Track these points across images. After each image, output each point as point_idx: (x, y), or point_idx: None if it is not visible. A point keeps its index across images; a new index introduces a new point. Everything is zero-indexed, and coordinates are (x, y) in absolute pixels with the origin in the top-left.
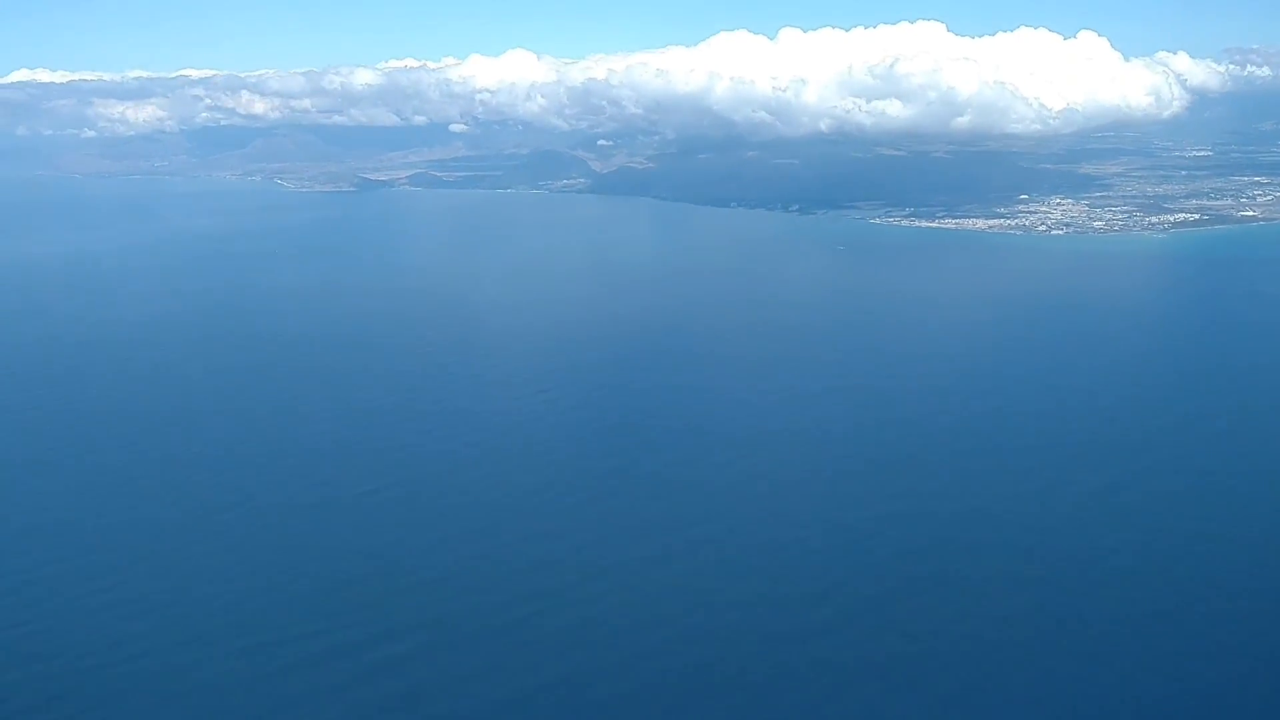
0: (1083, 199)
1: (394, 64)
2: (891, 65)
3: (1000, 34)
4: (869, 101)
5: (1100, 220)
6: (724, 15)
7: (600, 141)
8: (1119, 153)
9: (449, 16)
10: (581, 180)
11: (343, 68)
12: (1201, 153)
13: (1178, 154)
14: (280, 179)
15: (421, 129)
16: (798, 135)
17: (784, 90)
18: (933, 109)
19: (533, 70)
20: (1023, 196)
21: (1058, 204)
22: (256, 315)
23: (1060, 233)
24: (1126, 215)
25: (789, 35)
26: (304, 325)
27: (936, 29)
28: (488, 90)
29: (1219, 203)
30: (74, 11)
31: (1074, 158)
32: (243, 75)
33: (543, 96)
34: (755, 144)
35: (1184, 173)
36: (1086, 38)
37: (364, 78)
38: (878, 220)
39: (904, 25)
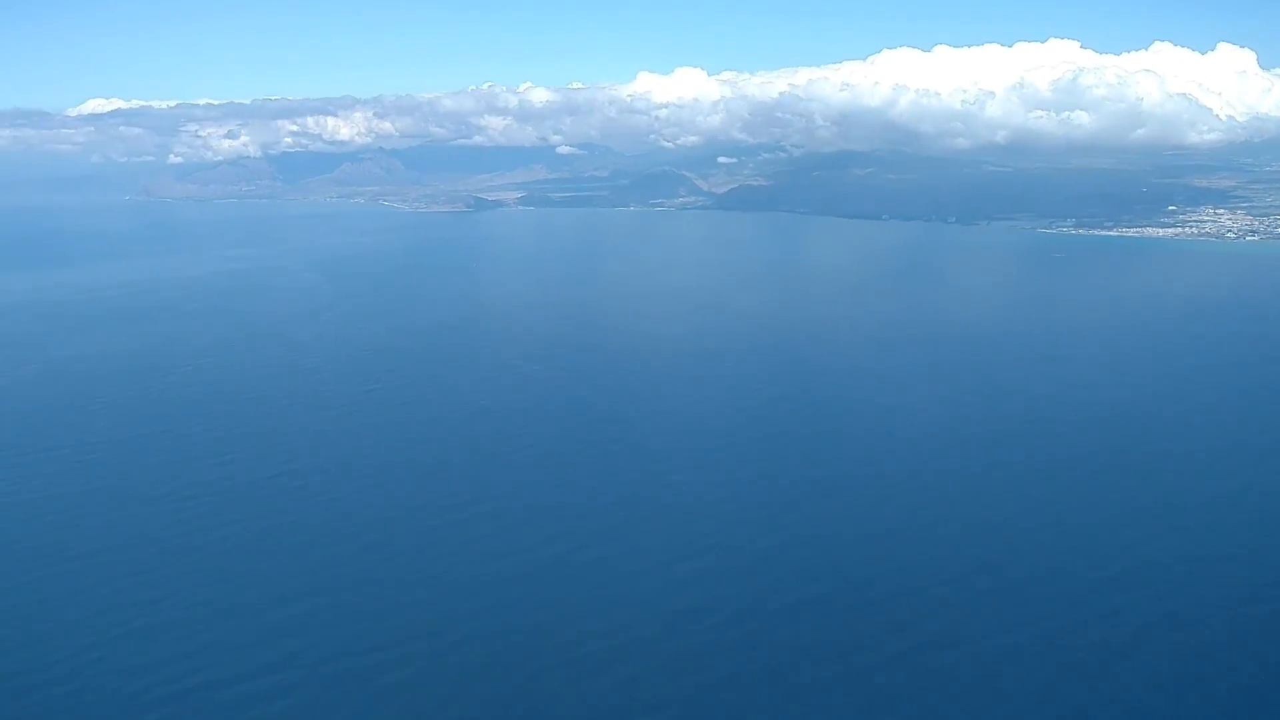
0: (1238, 209)
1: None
2: (1075, 77)
3: (1136, 51)
4: (1058, 114)
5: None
6: (874, 33)
7: (721, 159)
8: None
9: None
10: (694, 198)
11: (519, 86)
12: None
13: None
14: (384, 200)
15: (517, 151)
16: (973, 146)
17: (971, 103)
18: (1116, 120)
19: (704, 87)
20: (1170, 207)
21: (1214, 213)
22: (537, 318)
23: (1254, 239)
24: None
25: (943, 51)
26: (574, 331)
27: (1071, 46)
28: (666, 106)
29: None
30: (144, 40)
31: (1207, 171)
32: (415, 96)
33: (722, 112)
34: (872, 160)
35: None
36: (1226, 50)
37: (541, 95)
38: (1047, 230)
39: (1051, 41)
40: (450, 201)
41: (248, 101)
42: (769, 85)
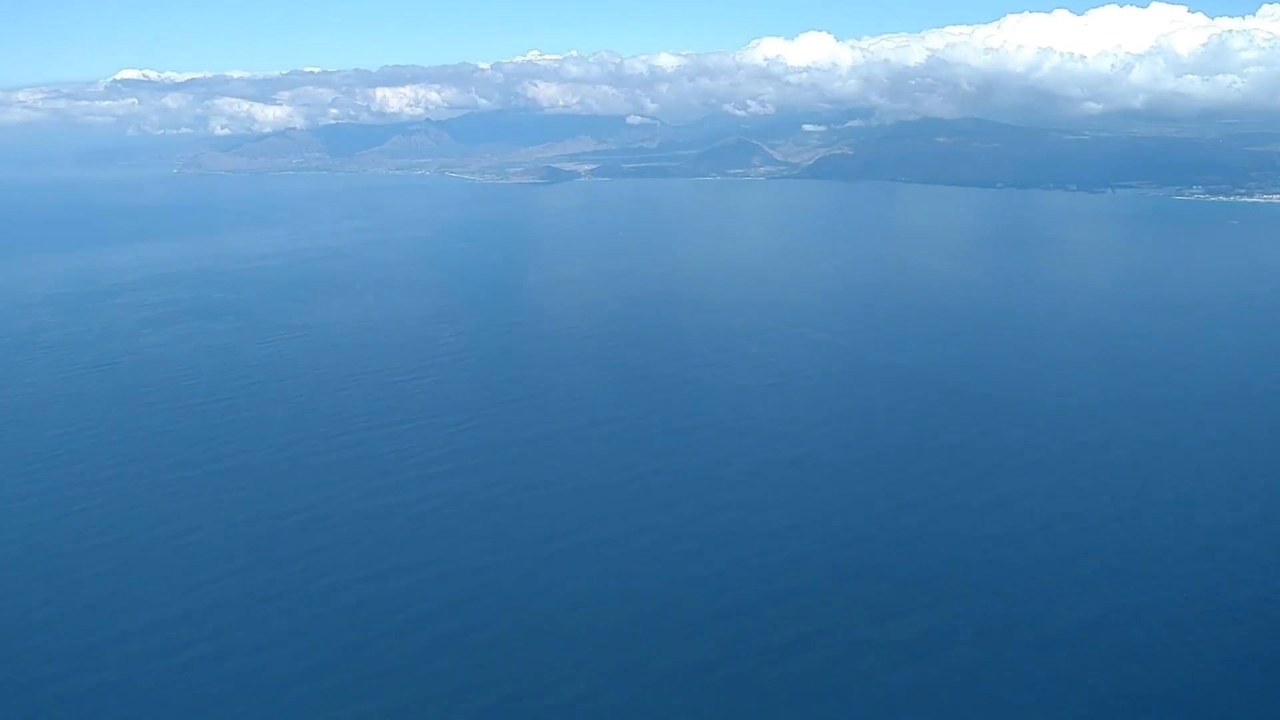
0: None
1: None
2: (1223, 39)
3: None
4: (1206, 78)
5: None
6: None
7: (806, 126)
8: None
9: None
10: (772, 168)
11: (644, 54)
12: None
13: None
14: (450, 172)
15: (570, 120)
16: (1107, 111)
17: (1119, 67)
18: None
19: (833, 51)
20: None
21: None
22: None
23: None
24: None
25: (1062, 15)
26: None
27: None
28: (798, 69)
29: None
30: (173, 12)
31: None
32: (540, 60)
33: (858, 77)
34: (956, 130)
35: None
36: None
37: (669, 61)
38: (1183, 198)
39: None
40: (526, 173)
41: (279, 74)
42: (905, 50)
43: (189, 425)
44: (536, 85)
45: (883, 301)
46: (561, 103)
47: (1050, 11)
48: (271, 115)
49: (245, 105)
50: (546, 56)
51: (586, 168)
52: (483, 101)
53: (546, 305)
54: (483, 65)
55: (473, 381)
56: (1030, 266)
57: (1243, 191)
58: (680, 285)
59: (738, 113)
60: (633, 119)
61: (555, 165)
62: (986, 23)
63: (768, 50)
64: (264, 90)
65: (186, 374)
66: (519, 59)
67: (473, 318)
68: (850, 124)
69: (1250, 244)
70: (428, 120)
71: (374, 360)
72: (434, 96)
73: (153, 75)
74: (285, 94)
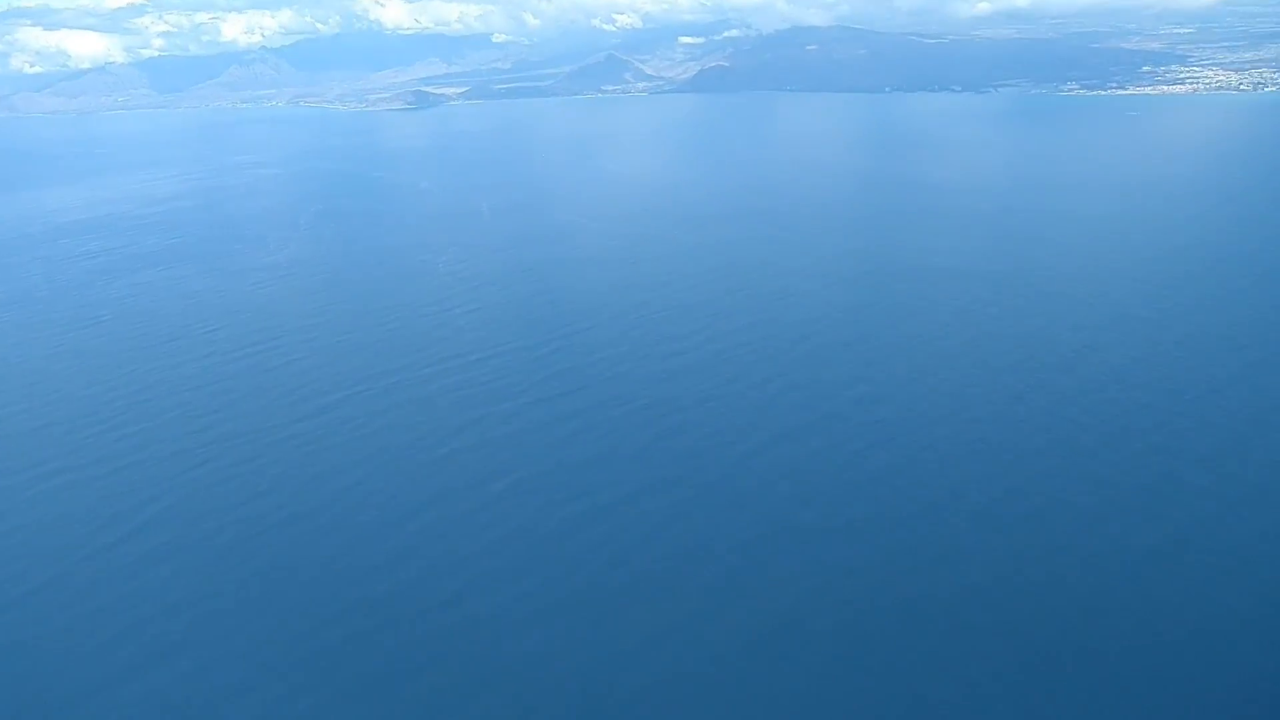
0: (1213, 66)
1: None
2: None
3: None
4: None
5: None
6: None
7: (682, 39)
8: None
9: None
10: (647, 83)
11: None
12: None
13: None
14: (305, 102)
15: (426, 41)
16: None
17: None
18: None
19: None
20: (1145, 69)
21: (1191, 71)
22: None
23: (1272, 89)
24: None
25: None
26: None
27: None
28: None
29: None
30: None
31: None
32: None
33: None
34: (826, 37)
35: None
36: None
37: None
38: (1064, 93)
39: None
40: (394, 98)
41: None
42: None
43: (252, 373)
44: (381, 5)
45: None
46: (408, 24)
47: None
48: (87, 48)
49: (54, 37)
50: None
51: (455, 90)
52: (321, 26)
53: (532, 229)
54: None
55: (522, 306)
56: (999, 162)
57: (1115, 85)
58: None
59: (605, 27)
60: (497, 37)
61: (422, 89)
62: None
63: None
64: (74, 20)
65: (196, 323)
66: None
67: (456, 246)
68: (727, 34)
69: (1166, 131)
70: (264, 48)
71: (388, 294)
72: (269, 22)
73: None
74: (93, 20)
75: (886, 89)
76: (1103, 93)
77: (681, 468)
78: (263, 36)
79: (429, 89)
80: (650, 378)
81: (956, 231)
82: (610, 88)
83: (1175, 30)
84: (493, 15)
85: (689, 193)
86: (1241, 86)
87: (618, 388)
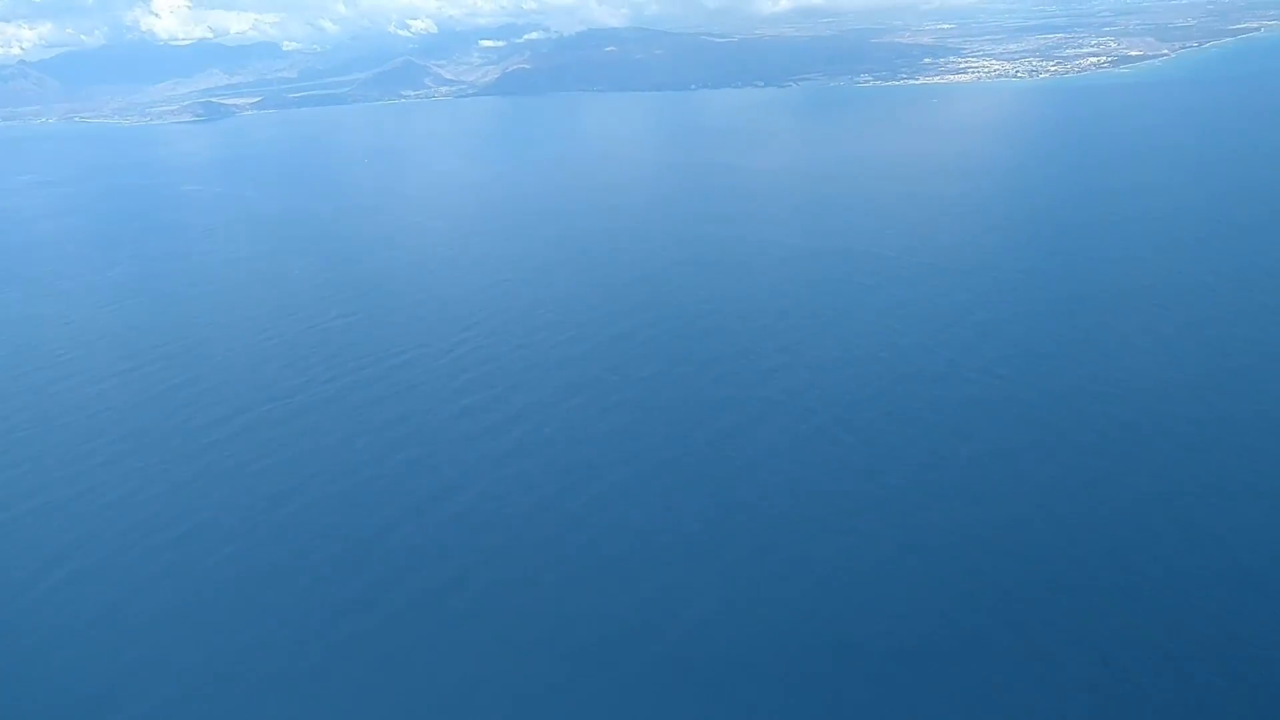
0: (988, 57)
1: None
2: None
3: None
4: None
5: (1057, 66)
6: None
7: (483, 42)
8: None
9: None
10: (450, 87)
11: None
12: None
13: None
14: (80, 117)
15: (206, 50)
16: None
17: None
18: None
19: None
20: (926, 60)
21: (966, 63)
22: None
23: (1045, 76)
24: (1051, 64)
25: None
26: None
27: None
28: None
29: (1102, 52)
30: None
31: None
32: None
33: None
34: (623, 38)
35: (1029, 34)
36: None
37: None
38: (861, 84)
39: None
40: (181, 111)
41: None
42: None
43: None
44: (155, 16)
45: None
46: (184, 34)
47: None
48: None
49: None
50: None
51: (247, 101)
52: (85, 38)
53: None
54: None
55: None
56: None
57: (904, 75)
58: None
59: (400, 33)
60: (288, 45)
61: (212, 101)
62: None
63: None
64: None
65: (46, 349)
66: None
67: (308, 253)
68: (527, 37)
69: (973, 114)
70: (23, 63)
71: (249, 306)
72: (27, 34)
73: None
74: None
75: (693, 85)
76: (895, 83)
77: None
78: (21, 50)
79: (219, 100)
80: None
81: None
82: (411, 93)
83: (939, 26)
84: (288, 23)
85: (523, 190)
86: (1019, 74)
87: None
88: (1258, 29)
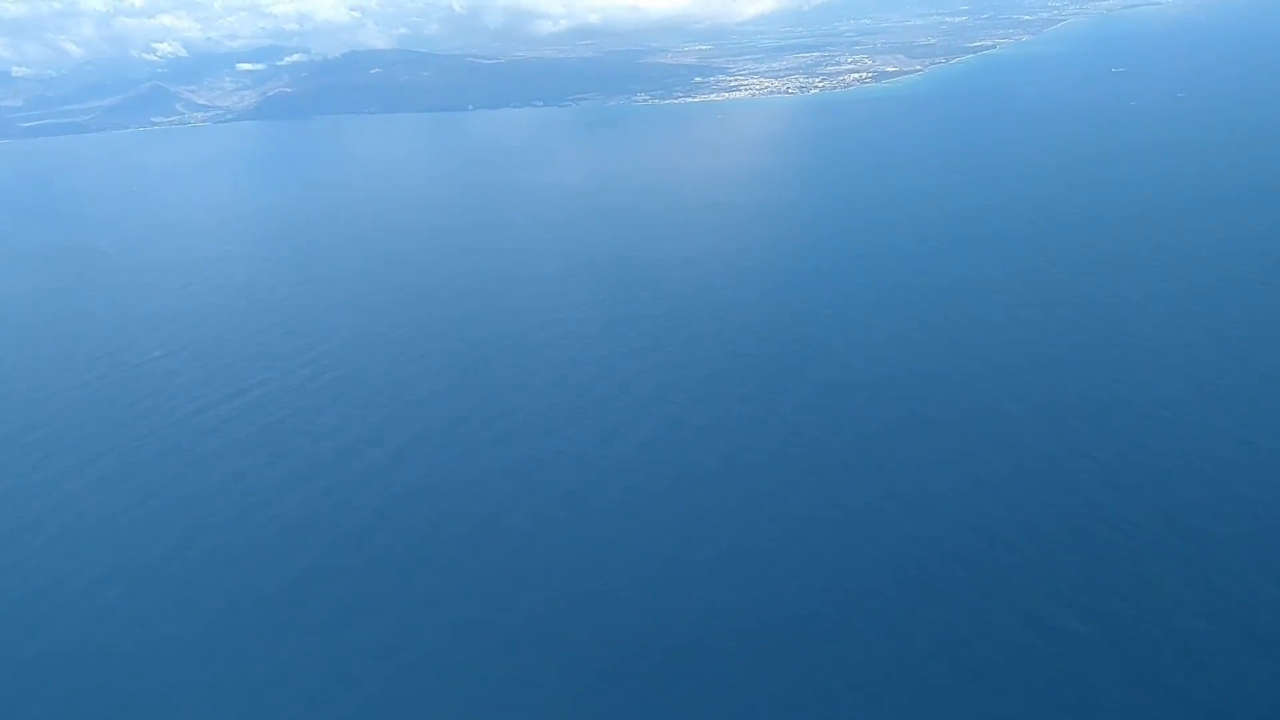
0: (756, 75)
1: None
2: None
3: None
4: None
5: (824, 82)
6: None
7: (241, 65)
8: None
9: None
10: (204, 113)
11: None
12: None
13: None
14: None
15: None
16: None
17: None
18: None
19: None
20: (697, 79)
21: (736, 80)
22: None
23: (816, 91)
24: (818, 80)
25: None
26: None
27: None
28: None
29: (861, 68)
30: None
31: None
32: None
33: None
34: (389, 60)
35: (785, 54)
36: None
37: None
38: (640, 103)
39: None
40: None
41: None
42: None
43: None
44: None
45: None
46: None
47: None
48: None
49: None
50: None
51: None
52: None
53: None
54: None
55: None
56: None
57: (681, 94)
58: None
59: (146, 57)
60: (18, 70)
61: None
62: None
63: None
64: None
65: None
66: None
67: (101, 287)
68: (290, 59)
69: (762, 126)
70: None
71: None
72: None
73: None
74: None
75: (470, 106)
76: (673, 100)
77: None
78: None
79: None
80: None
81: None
82: (162, 120)
83: (698, 48)
84: (21, 46)
85: (314, 214)
86: (790, 90)
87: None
88: (993, 46)
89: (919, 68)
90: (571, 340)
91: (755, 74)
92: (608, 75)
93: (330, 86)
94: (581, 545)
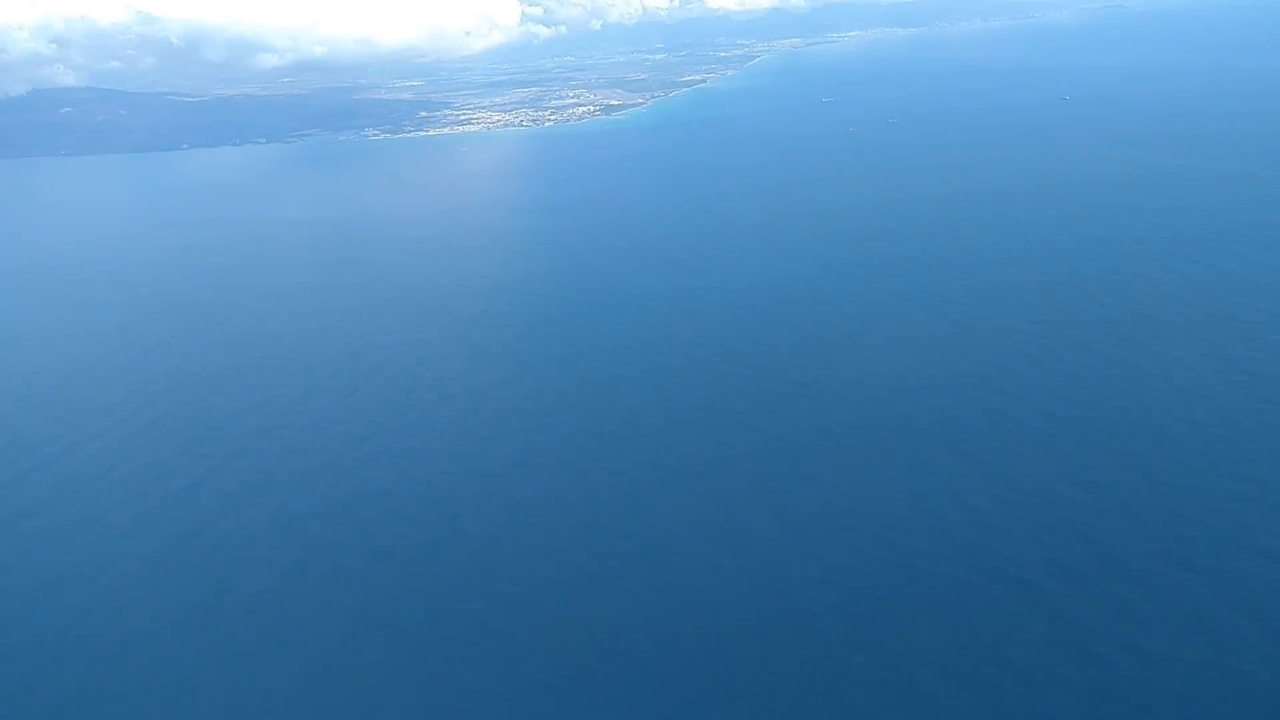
0: (493, 109)
1: None
2: None
3: None
4: None
5: (555, 115)
6: None
7: None
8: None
9: None
10: None
11: None
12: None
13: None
14: None
15: None
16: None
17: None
18: None
19: None
20: (423, 114)
21: (476, 113)
22: None
23: (549, 124)
24: (548, 113)
25: None
26: None
27: None
28: None
29: (586, 102)
30: None
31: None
32: None
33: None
34: (80, 99)
35: (501, 89)
36: None
37: None
38: (371, 138)
39: None
40: None
41: None
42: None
43: None
44: None
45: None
46: None
47: None
48: None
49: None
50: None
51: None
52: None
53: None
54: None
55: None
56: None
57: (411, 128)
58: None
59: None
60: None
61: None
62: None
63: None
64: None
65: None
66: None
67: None
68: None
69: (509, 158)
70: None
71: None
72: None
73: None
74: None
75: (184, 145)
76: (407, 135)
77: None
78: None
79: None
80: None
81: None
82: None
83: (409, 84)
84: None
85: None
86: (524, 123)
87: None
88: (703, 80)
89: (641, 101)
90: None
91: (481, 108)
92: (330, 111)
93: (14, 127)
94: None
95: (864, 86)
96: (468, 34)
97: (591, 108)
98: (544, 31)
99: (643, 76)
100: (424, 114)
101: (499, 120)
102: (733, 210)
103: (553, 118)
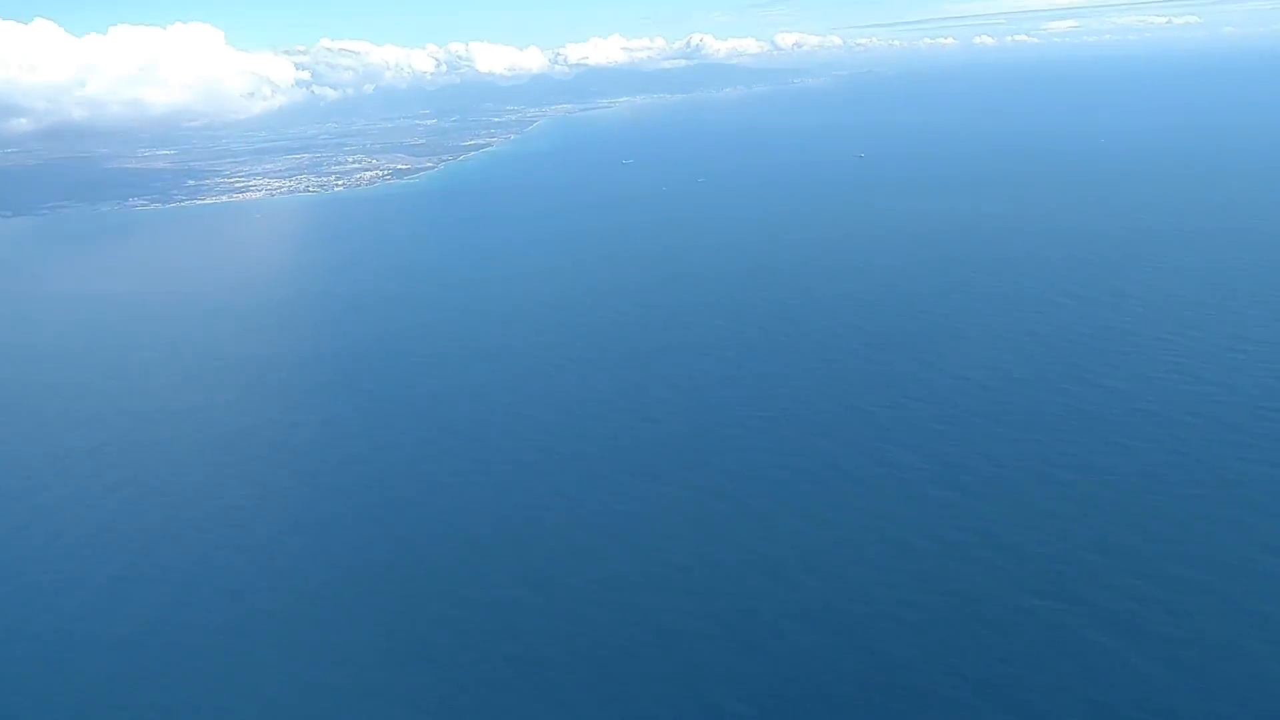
0: (269, 176)
1: None
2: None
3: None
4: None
5: (342, 180)
6: None
7: None
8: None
9: None
10: None
11: None
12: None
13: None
14: None
15: None
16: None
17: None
18: None
19: None
20: (191, 183)
21: (252, 180)
22: None
23: (338, 189)
24: (334, 179)
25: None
26: None
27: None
28: None
29: (372, 167)
30: None
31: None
32: None
33: None
34: None
35: (270, 156)
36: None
37: None
38: (137, 208)
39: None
40: None
41: None
42: None
43: None
44: None
45: None
46: None
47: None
48: None
49: None
50: None
51: None
52: None
53: None
54: None
55: None
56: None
57: (182, 197)
58: None
59: None
60: None
61: None
62: None
63: None
64: None
65: None
66: None
67: None
68: None
69: (307, 226)
70: None
71: None
72: None
73: None
74: None
75: None
76: (180, 204)
77: None
78: None
79: None
80: None
81: None
82: None
83: (160, 152)
84: None
85: None
86: (309, 189)
87: None
88: (488, 144)
89: (430, 164)
90: None
91: (255, 175)
92: (83, 181)
93: None
94: None
95: (657, 146)
96: (250, 95)
97: (379, 172)
98: (330, 94)
99: (421, 141)
100: (192, 182)
101: (280, 186)
102: (581, 271)
103: (340, 183)
